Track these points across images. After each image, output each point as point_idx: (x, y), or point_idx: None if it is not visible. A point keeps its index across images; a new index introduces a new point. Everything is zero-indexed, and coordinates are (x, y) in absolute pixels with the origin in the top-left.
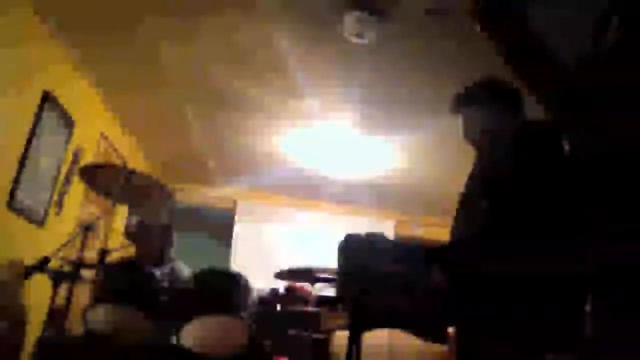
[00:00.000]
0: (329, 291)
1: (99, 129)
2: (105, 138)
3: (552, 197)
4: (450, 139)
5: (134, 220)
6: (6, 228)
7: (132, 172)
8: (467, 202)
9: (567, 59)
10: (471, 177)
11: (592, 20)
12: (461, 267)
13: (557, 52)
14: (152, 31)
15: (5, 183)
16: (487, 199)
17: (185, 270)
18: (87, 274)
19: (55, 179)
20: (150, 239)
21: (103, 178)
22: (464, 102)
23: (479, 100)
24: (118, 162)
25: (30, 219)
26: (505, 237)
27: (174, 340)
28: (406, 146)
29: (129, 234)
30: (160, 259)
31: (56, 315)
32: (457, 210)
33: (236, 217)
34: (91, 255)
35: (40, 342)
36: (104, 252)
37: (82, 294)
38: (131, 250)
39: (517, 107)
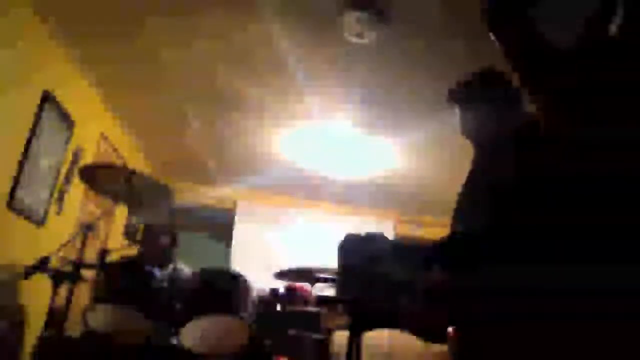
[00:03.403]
0: (329, 291)
1: (99, 129)
2: (105, 138)
3: (555, 193)
4: (451, 139)
5: (134, 220)
6: (6, 228)
7: (132, 172)
8: (466, 200)
9: (569, 55)
10: (469, 176)
11: (592, 12)
12: (461, 267)
13: (561, 51)
14: (152, 31)
15: (5, 183)
16: (489, 196)
17: (186, 271)
18: (87, 274)
19: (55, 179)
20: (156, 240)
21: (103, 178)
22: (460, 97)
23: (476, 95)
24: (118, 162)
25: (30, 219)
26: (507, 236)
27: (174, 340)
28: (406, 146)
29: (129, 234)
30: (163, 260)
31: (56, 315)
32: (455, 210)
33: (236, 217)
34: (91, 255)
35: (40, 342)
36: (104, 252)
37: (82, 294)
38: (131, 250)
39: (516, 100)
